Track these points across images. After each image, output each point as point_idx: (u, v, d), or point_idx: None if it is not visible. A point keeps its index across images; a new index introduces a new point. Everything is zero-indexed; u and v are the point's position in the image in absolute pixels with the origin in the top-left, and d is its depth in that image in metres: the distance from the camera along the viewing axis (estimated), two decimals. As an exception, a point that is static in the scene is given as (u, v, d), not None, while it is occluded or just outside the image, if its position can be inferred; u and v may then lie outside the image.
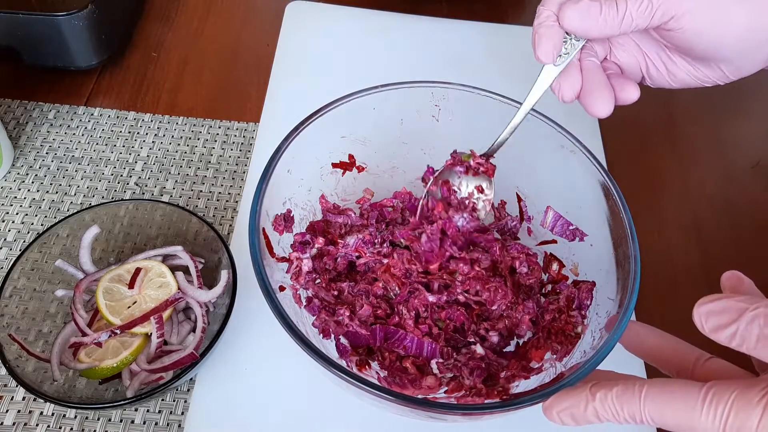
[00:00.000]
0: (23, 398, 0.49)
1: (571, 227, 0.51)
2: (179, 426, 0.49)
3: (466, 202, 0.53)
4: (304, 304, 0.49)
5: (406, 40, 0.78)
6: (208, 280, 0.52)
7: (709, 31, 0.42)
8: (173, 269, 0.51)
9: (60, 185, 0.62)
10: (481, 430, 0.49)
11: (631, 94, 0.46)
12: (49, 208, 0.60)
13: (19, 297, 0.48)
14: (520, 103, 0.48)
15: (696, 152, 0.72)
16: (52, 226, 0.50)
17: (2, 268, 0.55)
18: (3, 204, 0.60)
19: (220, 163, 0.65)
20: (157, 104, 0.70)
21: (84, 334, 0.48)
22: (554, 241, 0.53)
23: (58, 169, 0.63)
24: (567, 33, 0.44)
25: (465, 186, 0.53)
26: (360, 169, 0.56)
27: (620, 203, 0.46)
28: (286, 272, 0.49)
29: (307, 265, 0.50)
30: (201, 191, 0.62)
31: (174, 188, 0.62)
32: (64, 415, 0.48)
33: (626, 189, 0.47)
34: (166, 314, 0.48)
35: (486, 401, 0.44)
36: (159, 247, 0.53)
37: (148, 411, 0.49)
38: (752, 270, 0.62)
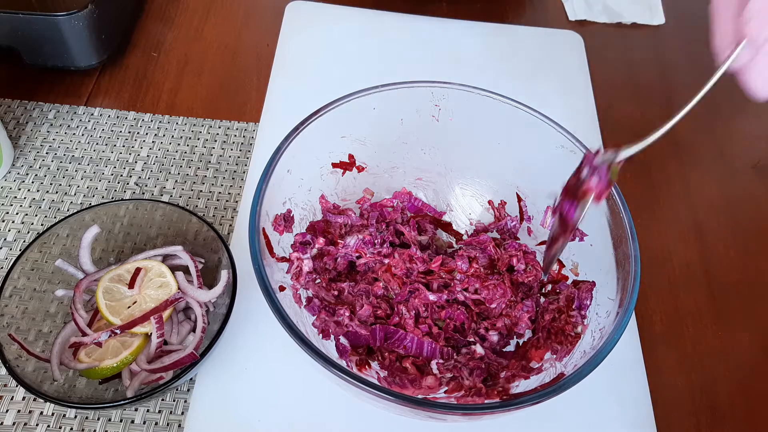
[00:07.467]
0: (23, 398, 0.49)
1: (571, 227, 0.51)
2: (179, 426, 0.49)
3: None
4: (304, 304, 0.49)
5: (406, 40, 0.78)
6: (208, 280, 0.52)
7: None
8: (173, 269, 0.51)
9: (60, 185, 0.62)
10: (481, 430, 0.49)
11: None
12: (49, 208, 0.60)
13: (19, 297, 0.48)
14: (520, 103, 0.48)
15: (696, 152, 0.72)
16: (52, 226, 0.50)
17: (2, 268, 0.55)
18: (3, 204, 0.60)
19: (220, 163, 0.65)
20: (157, 104, 0.70)
21: (84, 334, 0.48)
22: (554, 241, 0.53)
23: (58, 169, 0.63)
24: None
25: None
26: (360, 169, 0.56)
27: (620, 203, 0.46)
28: (286, 272, 0.49)
29: (307, 265, 0.50)
30: (201, 191, 0.62)
31: (174, 188, 0.62)
32: (64, 415, 0.48)
33: (626, 189, 0.47)
34: (166, 314, 0.48)
35: (486, 401, 0.44)
36: (159, 247, 0.53)
37: (148, 411, 0.49)
38: (752, 270, 0.63)
